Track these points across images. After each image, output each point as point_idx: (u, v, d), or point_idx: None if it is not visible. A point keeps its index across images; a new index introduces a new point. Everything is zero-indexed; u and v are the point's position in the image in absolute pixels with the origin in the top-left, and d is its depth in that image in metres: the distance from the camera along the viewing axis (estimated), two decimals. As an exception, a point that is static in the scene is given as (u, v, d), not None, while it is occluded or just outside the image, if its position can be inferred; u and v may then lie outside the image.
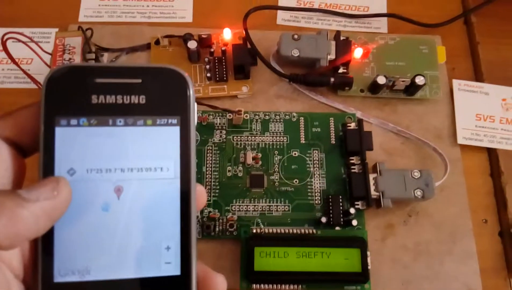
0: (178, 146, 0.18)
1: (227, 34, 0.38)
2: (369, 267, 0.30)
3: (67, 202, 0.16)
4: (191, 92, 0.18)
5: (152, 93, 0.18)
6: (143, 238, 0.17)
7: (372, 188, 0.33)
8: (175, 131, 0.18)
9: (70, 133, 0.17)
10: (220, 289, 0.18)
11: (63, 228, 0.17)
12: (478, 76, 0.39)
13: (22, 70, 0.36)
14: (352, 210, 0.32)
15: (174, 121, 0.18)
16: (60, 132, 0.17)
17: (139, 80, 0.18)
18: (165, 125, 0.18)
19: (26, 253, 0.17)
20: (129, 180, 0.18)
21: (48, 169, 0.17)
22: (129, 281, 0.17)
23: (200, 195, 0.18)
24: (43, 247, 0.17)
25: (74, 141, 0.17)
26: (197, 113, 0.35)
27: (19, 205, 0.15)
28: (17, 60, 0.35)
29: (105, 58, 0.38)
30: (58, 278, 0.17)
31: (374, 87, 0.36)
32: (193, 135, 0.18)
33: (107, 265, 0.17)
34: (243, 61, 0.36)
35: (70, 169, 0.17)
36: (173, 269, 0.17)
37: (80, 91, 0.17)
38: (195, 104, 0.18)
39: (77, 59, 0.33)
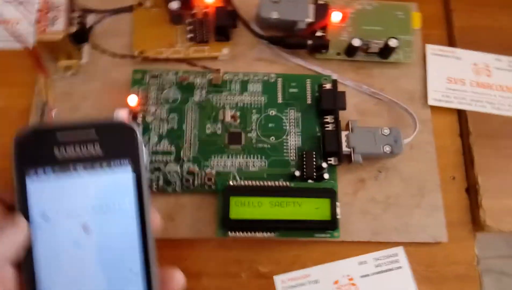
0: (132, 185, 0.21)
1: (209, -3, 0.39)
2: (338, 217, 0.32)
3: (27, 232, 0.20)
4: (139, 138, 0.22)
5: (106, 142, 0.21)
6: (111, 265, 0.21)
7: (344, 144, 0.34)
8: (128, 172, 0.21)
9: (39, 183, 0.21)
10: (179, 279, 0.22)
11: (42, 266, 0.20)
12: (451, 41, 0.40)
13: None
14: (324, 165, 0.34)
15: (126, 163, 0.21)
16: (30, 182, 0.21)
17: (94, 132, 0.21)
18: (119, 167, 0.21)
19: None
20: (93, 218, 0.21)
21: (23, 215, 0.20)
22: None
23: (154, 222, 0.22)
24: (27, 285, 0.20)
25: (43, 189, 0.21)
26: (179, 74, 0.37)
27: None
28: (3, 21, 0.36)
29: (89, 20, 0.39)
30: None
31: (350, 50, 0.37)
32: (145, 174, 0.22)
33: None
34: (224, 23, 0.37)
35: (43, 214, 0.21)
36: (138, 288, 0.21)
37: (44, 146, 0.21)
38: (144, 148, 0.22)
39: (62, 18, 0.34)
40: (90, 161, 0.21)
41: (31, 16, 0.36)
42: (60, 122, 0.22)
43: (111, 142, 0.21)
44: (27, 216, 0.20)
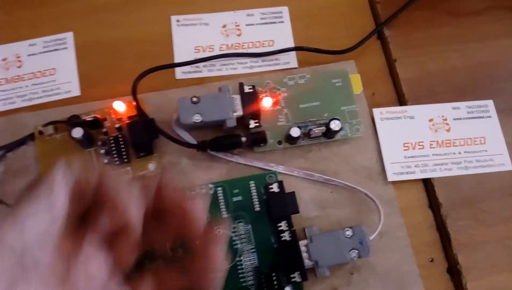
0: None
1: (120, 107, 0.33)
2: None
3: None
4: None
5: None
6: None
7: (305, 256, 0.30)
8: None
9: None
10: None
11: None
12: (400, 97, 0.36)
13: None
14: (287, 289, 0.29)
15: None
16: None
17: None
18: None
19: None
20: None
21: None
22: None
23: None
24: None
25: None
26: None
27: None
28: None
29: (-14, 163, 0.33)
30: None
31: (290, 139, 0.33)
32: None
33: None
34: (142, 138, 0.32)
35: None
36: None
37: None
38: None
39: None
40: None
41: None
42: None
43: None
44: None
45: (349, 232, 0.30)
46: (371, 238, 0.30)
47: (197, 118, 0.32)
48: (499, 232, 0.32)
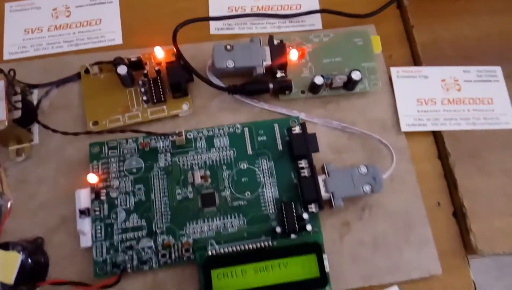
0: None
1: (159, 53, 0.37)
2: (327, 270, 0.30)
3: None
4: None
5: None
6: None
7: (323, 189, 0.33)
8: None
9: None
10: None
11: None
12: (416, 59, 0.39)
13: None
14: (305, 215, 0.32)
15: None
16: None
17: None
18: None
19: None
20: None
21: None
22: None
23: None
24: None
25: None
26: (140, 140, 0.35)
27: None
28: None
29: (35, 96, 0.37)
30: None
31: (314, 88, 0.36)
32: None
33: None
34: (178, 79, 0.35)
35: None
36: None
37: None
38: None
39: (2, 106, 0.32)
40: None
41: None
42: None
43: None
44: None
45: (363, 169, 0.33)
46: (383, 177, 0.33)
47: (230, 64, 0.35)
48: (501, 182, 0.35)
